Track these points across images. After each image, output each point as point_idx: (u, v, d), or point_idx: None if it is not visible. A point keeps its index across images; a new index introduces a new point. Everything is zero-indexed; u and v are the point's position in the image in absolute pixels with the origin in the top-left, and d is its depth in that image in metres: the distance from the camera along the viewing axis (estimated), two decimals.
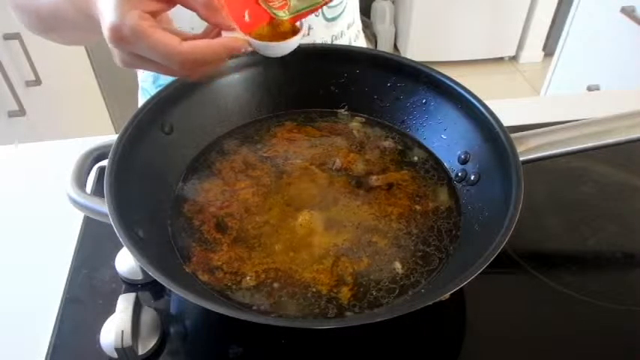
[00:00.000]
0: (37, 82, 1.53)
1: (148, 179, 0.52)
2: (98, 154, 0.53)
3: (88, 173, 0.52)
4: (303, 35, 0.49)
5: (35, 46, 1.48)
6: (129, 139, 0.51)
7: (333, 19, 0.78)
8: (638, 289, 0.57)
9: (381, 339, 0.50)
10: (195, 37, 0.45)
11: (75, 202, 0.48)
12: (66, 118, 1.62)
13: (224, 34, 0.46)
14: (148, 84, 0.82)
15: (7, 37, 1.43)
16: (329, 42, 0.79)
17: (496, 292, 0.55)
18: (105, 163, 0.48)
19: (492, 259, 0.41)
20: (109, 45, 0.42)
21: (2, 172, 0.74)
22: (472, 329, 0.52)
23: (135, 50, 0.42)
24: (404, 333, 0.51)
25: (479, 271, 0.40)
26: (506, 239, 0.43)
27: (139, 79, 0.84)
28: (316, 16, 0.75)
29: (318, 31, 0.77)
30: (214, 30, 0.46)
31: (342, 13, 0.79)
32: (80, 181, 0.50)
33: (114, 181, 0.46)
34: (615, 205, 0.67)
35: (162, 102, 0.56)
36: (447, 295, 0.40)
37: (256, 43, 0.46)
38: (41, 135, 1.44)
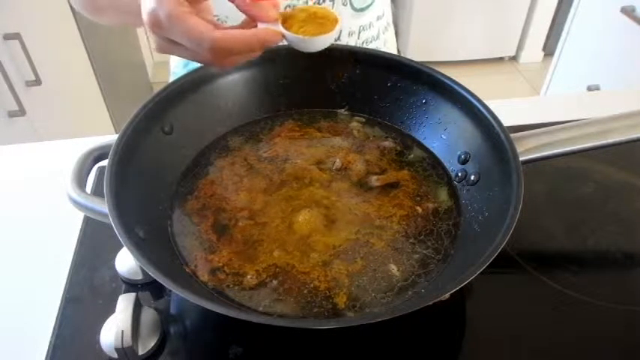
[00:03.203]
0: (37, 82, 1.53)
1: (148, 179, 0.52)
2: (98, 154, 0.53)
3: (88, 173, 0.52)
4: (339, 31, 0.49)
5: (35, 46, 1.48)
6: (129, 139, 0.51)
7: (362, 9, 0.78)
8: (638, 289, 0.57)
9: (381, 339, 0.50)
10: (231, 28, 0.46)
11: (75, 202, 0.48)
12: (66, 118, 1.62)
13: (260, 25, 0.46)
14: (179, 69, 0.83)
15: (7, 37, 1.43)
16: (356, 32, 0.79)
17: (496, 292, 0.55)
18: (105, 163, 0.48)
19: (492, 259, 0.41)
20: (147, 30, 0.44)
21: (2, 172, 0.74)
22: (472, 329, 0.52)
23: (169, 35, 0.43)
24: (404, 333, 0.51)
25: (479, 271, 0.40)
26: (507, 239, 0.43)
27: (171, 66, 0.85)
28: (344, 5, 0.75)
29: (345, 21, 0.77)
30: (251, 22, 0.47)
31: (371, 4, 0.78)
32: (80, 181, 0.50)
33: (114, 181, 0.46)
34: (615, 205, 0.67)
35: (163, 102, 0.56)
36: (447, 295, 0.40)
37: (290, 36, 0.46)
38: (41, 135, 1.44)
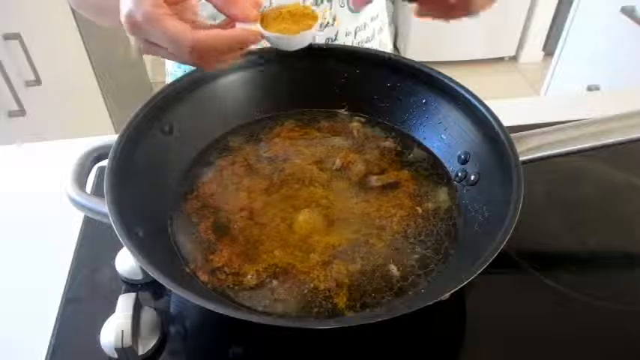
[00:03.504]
0: (37, 82, 1.53)
1: (147, 179, 0.52)
2: (98, 154, 0.53)
3: (88, 173, 0.52)
4: (320, 28, 0.48)
5: (35, 46, 1.48)
6: (129, 139, 0.51)
7: (358, 11, 0.78)
8: (638, 289, 0.57)
9: (381, 339, 0.50)
10: (211, 27, 0.45)
11: (75, 202, 0.48)
12: (66, 118, 1.62)
13: (238, 25, 0.46)
14: (174, 68, 0.83)
15: (7, 37, 1.43)
16: (352, 33, 0.79)
17: (496, 292, 0.55)
18: (105, 163, 0.48)
19: (492, 259, 0.41)
20: (127, 32, 0.43)
21: (2, 172, 0.74)
22: (472, 329, 0.52)
23: (148, 37, 0.43)
24: (404, 333, 0.51)
25: (479, 271, 0.40)
26: (507, 239, 0.43)
27: (167, 65, 0.85)
28: (341, 6, 0.76)
29: (343, 22, 0.77)
30: (230, 22, 0.47)
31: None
32: (80, 181, 0.50)
33: (114, 181, 0.46)
34: (615, 205, 0.67)
35: (162, 102, 0.56)
36: (447, 295, 0.40)
37: (268, 34, 0.46)
38: (41, 135, 1.44)
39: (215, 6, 0.45)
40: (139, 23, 0.41)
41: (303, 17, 0.48)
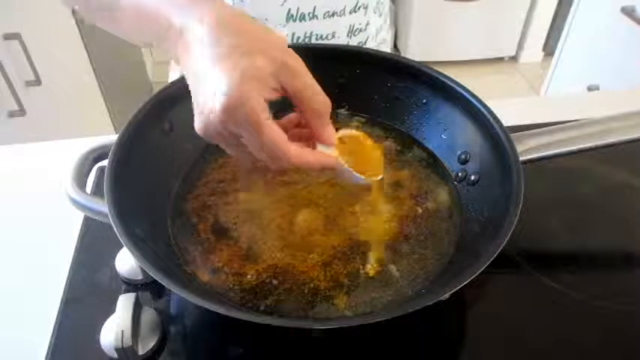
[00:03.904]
0: (37, 82, 1.53)
1: (148, 179, 0.52)
2: (98, 154, 0.53)
3: (88, 173, 0.52)
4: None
5: (35, 46, 1.48)
6: (129, 139, 0.51)
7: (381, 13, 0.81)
8: (638, 289, 0.57)
9: (381, 339, 0.50)
10: (285, 125, 0.44)
11: (75, 202, 0.48)
12: (66, 118, 1.62)
13: (319, 147, 0.44)
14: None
15: (7, 37, 1.43)
16: (374, 36, 0.81)
17: (496, 292, 0.55)
18: (105, 163, 0.48)
19: (492, 259, 0.41)
20: (204, 118, 0.39)
21: (2, 172, 0.74)
22: (472, 329, 0.52)
23: (235, 132, 0.39)
24: (404, 333, 0.51)
25: (479, 272, 0.40)
26: (506, 239, 0.43)
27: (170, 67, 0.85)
28: (374, 12, 0.79)
29: (371, 26, 0.80)
30: (299, 123, 0.46)
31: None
32: (80, 181, 0.50)
33: (114, 181, 0.46)
34: (615, 205, 0.67)
35: (163, 102, 0.56)
36: (447, 295, 0.40)
37: (345, 168, 0.45)
38: (41, 135, 1.44)
39: (307, 120, 0.43)
40: (237, 121, 0.37)
41: (368, 155, 0.49)
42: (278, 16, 0.71)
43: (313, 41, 0.74)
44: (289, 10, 0.71)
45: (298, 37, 0.74)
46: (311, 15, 0.72)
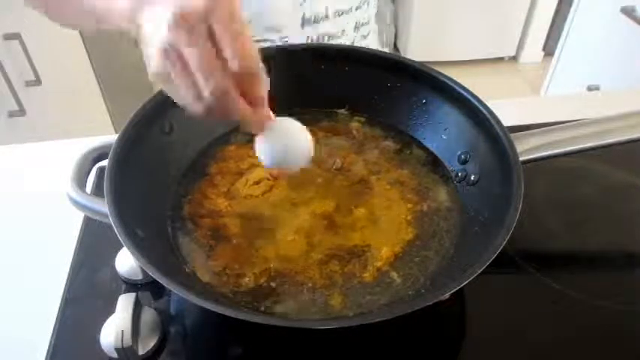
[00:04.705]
0: (37, 82, 1.53)
1: (147, 179, 0.52)
2: (98, 154, 0.53)
3: (88, 173, 0.52)
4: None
5: (35, 46, 1.48)
6: (129, 139, 0.51)
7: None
8: (637, 289, 0.57)
9: (381, 339, 0.50)
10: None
11: (75, 202, 0.48)
12: (66, 118, 1.62)
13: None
14: None
15: (7, 37, 1.43)
16: (377, 31, 0.83)
17: (496, 292, 0.55)
18: (105, 163, 0.48)
19: (492, 259, 0.41)
20: (174, 20, 0.38)
21: (2, 172, 0.74)
22: (472, 329, 0.52)
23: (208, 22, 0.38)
24: (404, 333, 0.51)
25: (479, 272, 0.40)
26: (506, 239, 0.43)
27: None
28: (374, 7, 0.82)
29: (372, 21, 0.82)
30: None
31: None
32: (80, 181, 0.50)
33: (114, 181, 0.46)
34: (615, 205, 0.67)
35: (162, 102, 0.55)
36: (446, 295, 0.40)
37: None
38: (41, 135, 1.44)
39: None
40: (222, 16, 0.38)
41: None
42: (294, 22, 0.73)
43: (325, 41, 0.76)
44: (304, 14, 0.73)
45: (312, 40, 0.76)
46: (323, 16, 0.74)
